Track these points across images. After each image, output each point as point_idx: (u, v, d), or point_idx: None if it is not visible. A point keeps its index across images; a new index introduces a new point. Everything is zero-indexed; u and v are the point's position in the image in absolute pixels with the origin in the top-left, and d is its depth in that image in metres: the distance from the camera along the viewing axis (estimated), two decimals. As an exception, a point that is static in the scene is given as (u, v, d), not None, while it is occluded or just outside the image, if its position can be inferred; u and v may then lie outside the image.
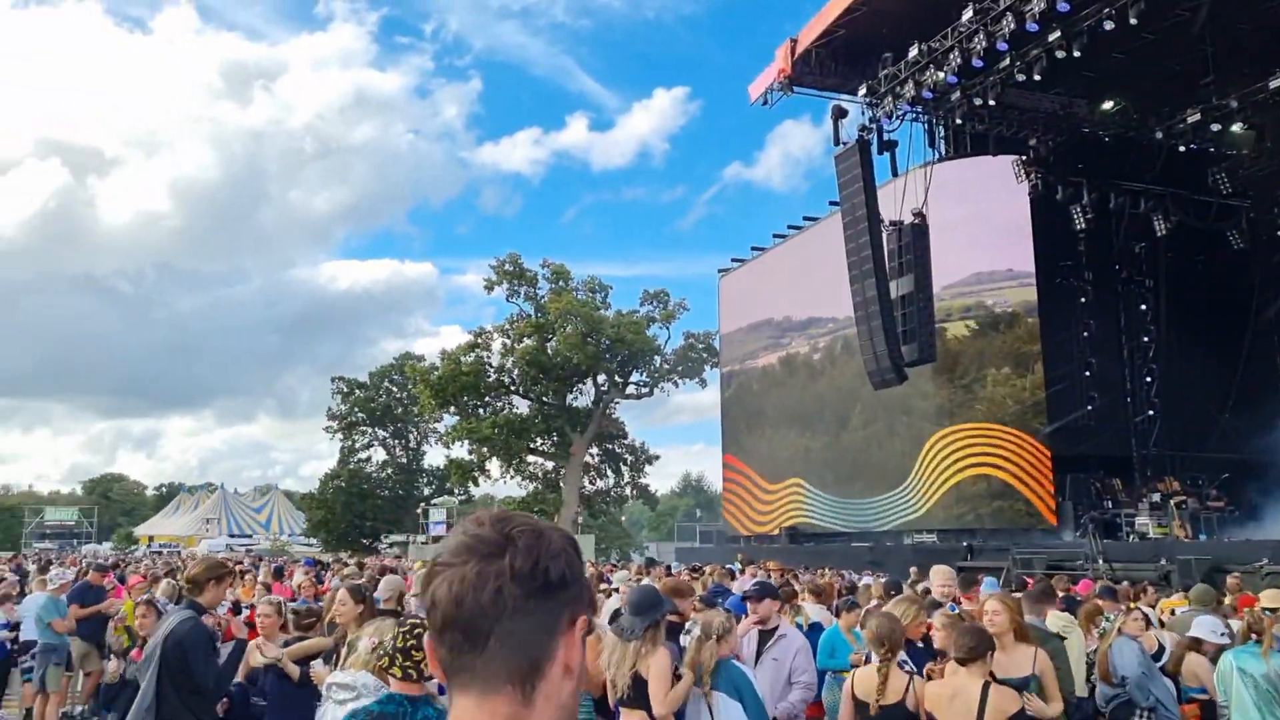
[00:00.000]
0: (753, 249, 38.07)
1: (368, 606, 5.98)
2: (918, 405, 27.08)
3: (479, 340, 46.44)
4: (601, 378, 46.70)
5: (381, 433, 65.47)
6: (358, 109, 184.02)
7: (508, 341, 46.26)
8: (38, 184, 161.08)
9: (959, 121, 24.60)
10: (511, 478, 47.57)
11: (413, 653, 3.60)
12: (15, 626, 12.44)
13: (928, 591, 8.10)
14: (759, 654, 6.50)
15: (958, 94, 22.08)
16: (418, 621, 3.73)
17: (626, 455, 49.51)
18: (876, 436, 29.27)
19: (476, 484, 50.58)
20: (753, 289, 37.65)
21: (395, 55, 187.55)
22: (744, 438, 37.46)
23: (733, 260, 39.67)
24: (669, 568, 18.44)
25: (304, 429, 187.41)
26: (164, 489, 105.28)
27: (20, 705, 11.75)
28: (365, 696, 4.07)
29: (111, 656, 12.39)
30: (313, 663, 5.92)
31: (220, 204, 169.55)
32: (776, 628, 6.65)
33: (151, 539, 73.57)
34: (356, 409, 64.13)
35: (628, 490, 50.14)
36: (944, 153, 26.64)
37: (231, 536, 69.60)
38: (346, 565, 19.07)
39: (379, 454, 66.05)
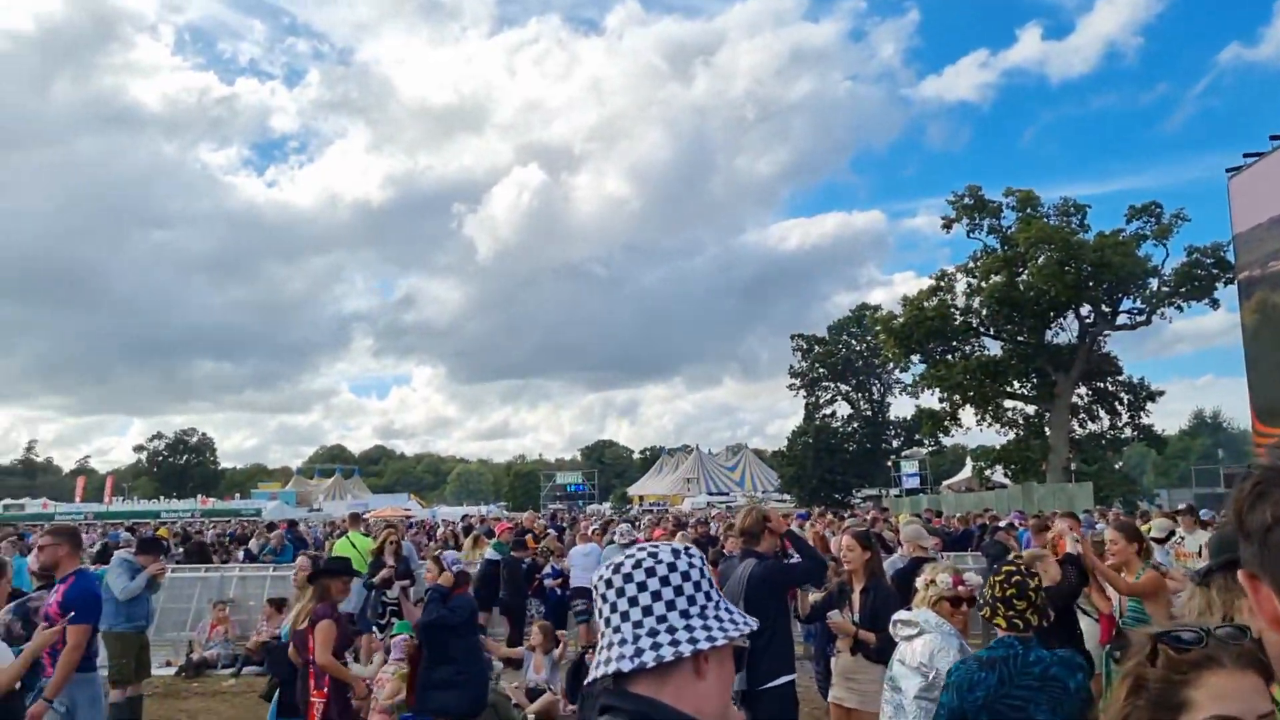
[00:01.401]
0: (1272, 138, 31.59)
1: (874, 553, 6.16)
2: None
3: (941, 283, 44.13)
4: (1085, 309, 42.03)
5: (844, 387, 65.54)
6: (794, 66, 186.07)
7: (973, 280, 43.40)
8: (523, 187, 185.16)
9: None
10: (988, 425, 44.77)
11: (1014, 602, 3.69)
12: (563, 574, 13.62)
13: None
14: None
15: None
16: (1014, 570, 3.84)
17: (1121, 393, 44.12)
18: None
19: (948, 433, 48.46)
20: (1278, 181, 31.22)
21: (827, 3, 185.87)
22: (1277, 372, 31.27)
23: (1245, 156, 33.26)
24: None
25: (767, 388, 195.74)
26: (647, 452, 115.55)
27: (577, 643, 12.73)
28: (928, 631, 4.33)
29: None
30: (829, 613, 6.22)
31: (673, 181, 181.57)
32: None
33: (642, 498, 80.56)
34: (817, 365, 64.79)
35: (1126, 432, 44.75)
36: None
37: (710, 494, 73.72)
38: (846, 518, 18.75)
39: (843, 408, 66.28)
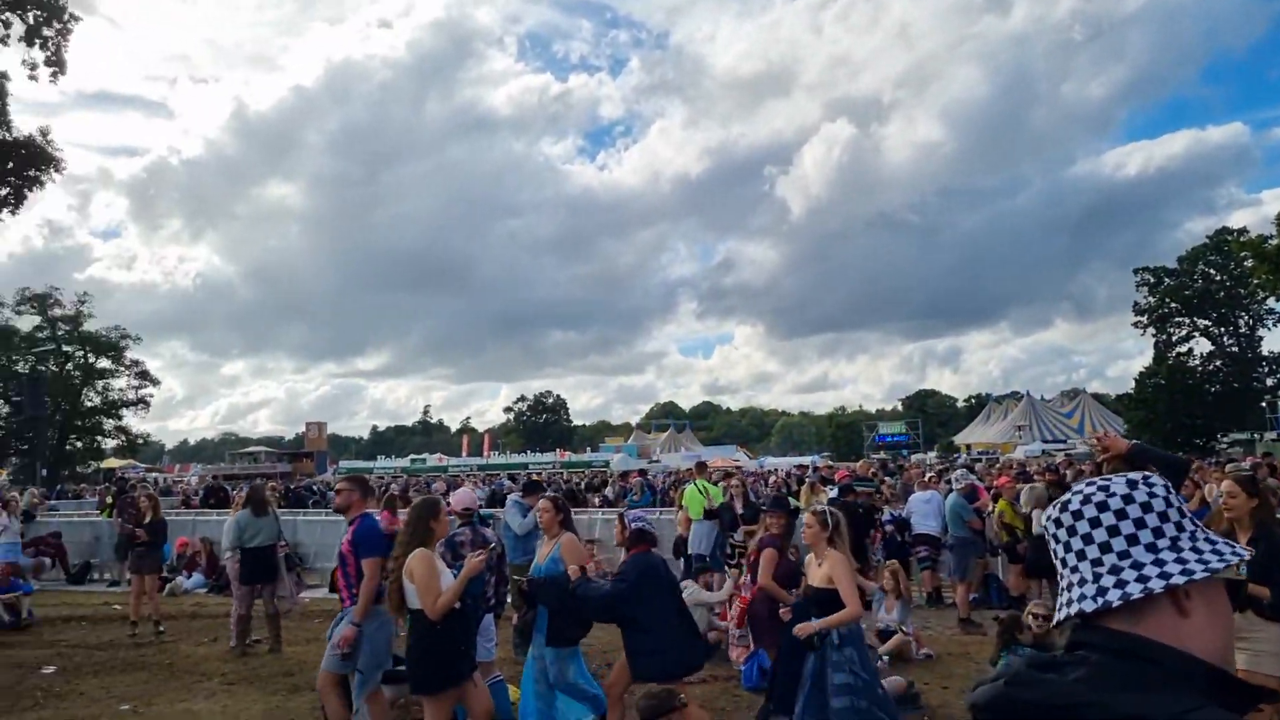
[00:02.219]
0: None
1: (1262, 499, 5.58)
2: None
3: (1325, 195, 38.32)
4: None
5: (1202, 321, 58.91)
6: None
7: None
8: (832, 143, 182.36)
9: None
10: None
11: None
12: (897, 520, 13.89)
13: None
14: None
15: None
16: None
17: None
18: None
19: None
20: None
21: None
22: None
23: None
24: None
25: (1105, 328, 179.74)
26: (973, 400, 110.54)
27: (921, 589, 13.07)
28: None
29: (986, 552, 13.19)
30: None
31: (991, 118, 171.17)
32: None
33: (969, 447, 77.38)
34: (1167, 299, 58.72)
35: None
36: None
37: (1045, 442, 69.35)
38: (1224, 465, 17.57)
39: (1202, 345, 59.61)
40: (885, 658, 9.02)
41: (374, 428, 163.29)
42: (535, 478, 19.89)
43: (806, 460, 54.05)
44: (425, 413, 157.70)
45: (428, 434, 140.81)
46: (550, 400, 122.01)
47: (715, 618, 10.35)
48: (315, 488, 35.57)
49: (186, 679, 9.46)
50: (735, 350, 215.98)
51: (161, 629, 11.92)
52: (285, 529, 12.31)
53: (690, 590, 9.62)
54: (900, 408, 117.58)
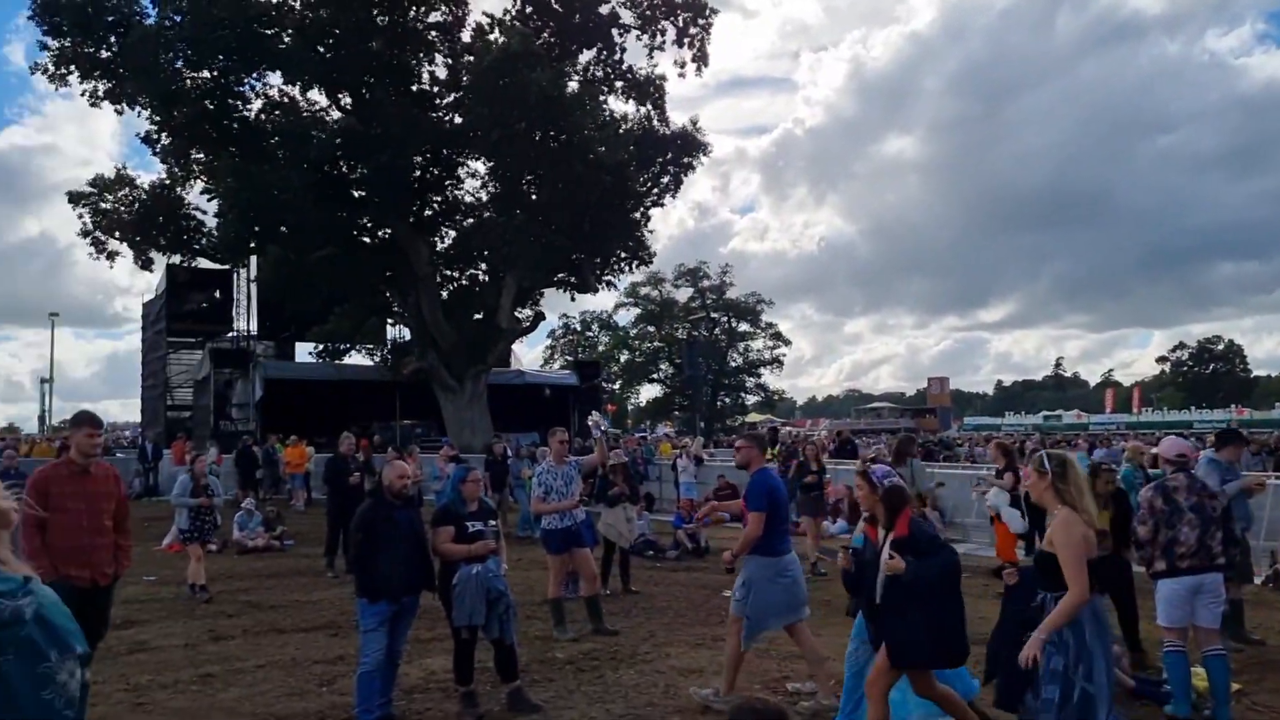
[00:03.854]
0: None
1: None
2: None
3: None
4: None
5: None
6: None
7: None
8: None
9: None
10: None
11: None
12: None
13: None
14: None
15: None
16: None
17: None
18: None
19: None
20: None
21: None
22: None
23: None
24: None
25: None
26: None
27: None
28: None
29: None
30: None
31: None
32: None
33: None
34: None
35: None
36: None
37: None
38: None
39: None
40: None
41: (999, 382, 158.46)
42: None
43: None
44: (1057, 365, 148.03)
45: (1060, 389, 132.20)
46: (1219, 347, 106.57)
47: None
48: (945, 441, 36.05)
49: (821, 610, 9.18)
50: None
51: (823, 571, 12.21)
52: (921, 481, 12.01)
53: None
54: None
